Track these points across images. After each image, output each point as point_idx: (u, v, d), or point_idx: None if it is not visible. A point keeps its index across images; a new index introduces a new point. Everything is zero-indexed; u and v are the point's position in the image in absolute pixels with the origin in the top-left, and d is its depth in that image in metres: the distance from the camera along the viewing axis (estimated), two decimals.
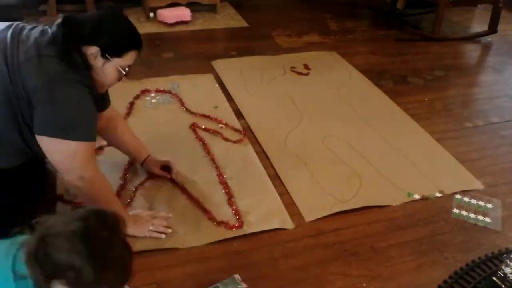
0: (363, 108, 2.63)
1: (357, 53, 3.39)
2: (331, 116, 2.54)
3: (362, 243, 1.74)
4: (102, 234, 0.98)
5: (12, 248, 1.04)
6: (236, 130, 2.35)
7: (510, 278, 1.47)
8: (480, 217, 1.88)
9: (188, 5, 3.81)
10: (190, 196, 1.90)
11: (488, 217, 1.88)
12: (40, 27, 1.45)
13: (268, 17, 4.00)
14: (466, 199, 1.97)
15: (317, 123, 2.46)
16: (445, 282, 1.58)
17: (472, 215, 1.89)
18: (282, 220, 1.82)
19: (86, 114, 1.45)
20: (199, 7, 3.92)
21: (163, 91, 2.66)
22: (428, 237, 1.79)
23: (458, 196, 1.99)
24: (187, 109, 2.51)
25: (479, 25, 4.05)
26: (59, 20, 1.41)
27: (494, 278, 1.51)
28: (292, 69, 3.04)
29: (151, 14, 3.74)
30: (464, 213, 1.90)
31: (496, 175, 2.15)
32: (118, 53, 1.48)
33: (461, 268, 1.63)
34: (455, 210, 1.91)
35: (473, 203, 1.95)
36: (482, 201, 1.96)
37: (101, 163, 2.06)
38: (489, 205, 1.94)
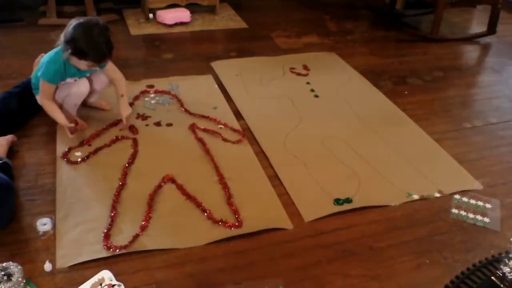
0: (362, 108, 2.64)
1: (356, 54, 3.39)
2: (330, 116, 2.55)
3: (361, 243, 1.75)
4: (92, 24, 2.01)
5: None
6: (235, 130, 2.36)
7: (509, 277, 1.47)
8: (479, 217, 1.88)
9: (187, 6, 3.81)
10: (189, 196, 1.90)
11: (487, 217, 1.89)
12: None
13: (267, 18, 4.01)
14: (465, 199, 1.98)
15: (316, 124, 2.47)
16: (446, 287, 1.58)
17: (471, 215, 1.89)
18: (281, 220, 1.82)
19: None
20: (198, 8, 3.93)
21: (163, 92, 2.67)
22: (427, 237, 1.80)
23: (457, 196, 1.99)
24: (186, 110, 2.51)
25: (478, 26, 4.06)
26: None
27: (493, 277, 1.51)
28: (292, 70, 3.05)
29: (151, 15, 3.75)
30: (463, 213, 1.90)
31: (495, 176, 2.15)
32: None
33: (463, 272, 1.62)
34: (454, 210, 1.92)
35: (472, 203, 1.96)
36: (481, 201, 1.97)
37: (101, 163, 2.07)
38: (488, 205, 1.95)
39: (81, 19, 2.05)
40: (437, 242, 1.77)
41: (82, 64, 2.08)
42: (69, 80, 2.24)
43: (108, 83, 2.41)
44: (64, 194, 1.88)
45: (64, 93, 2.24)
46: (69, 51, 2.03)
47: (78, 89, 2.26)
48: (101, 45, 2.03)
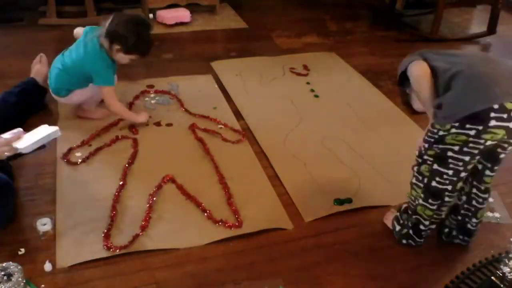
0: (362, 108, 2.64)
1: (356, 53, 3.39)
2: (330, 116, 2.55)
3: (361, 243, 1.75)
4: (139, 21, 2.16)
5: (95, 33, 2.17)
6: (235, 130, 2.36)
7: (509, 277, 1.47)
8: (489, 214, 1.88)
9: (187, 6, 3.81)
10: (189, 196, 1.90)
11: (496, 212, 1.89)
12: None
13: (267, 18, 4.01)
14: None
15: (316, 124, 2.47)
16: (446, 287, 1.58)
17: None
18: (281, 220, 1.82)
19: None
20: (198, 8, 3.92)
21: (163, 92, 2.67)
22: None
23: None
24: (186, 110, 2.51)
25: (478, 26, 4.05)
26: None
27: (493, 277, 1.51)
28: (291, 70, 3.05)
29: (151, 15, 3.75)
30: None
31: (495, 175, 2.14)
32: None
33: (462, 272, 1.62)
34: None
35: None
36: None
37: (101, 163, 2.08)
38: (490, 199, 1.95)
39: (126, 16, 2.19)
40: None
41: (126, 59, 2.20)
42: None
43: None
44: (64, 194, 1.88)
45: (89, 94, 2.29)
46: (117, 47, 2.13)
47: None
48: (148, 40, 2.18)
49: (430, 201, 1.58)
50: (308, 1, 4.44)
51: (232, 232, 1.75)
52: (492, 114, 1.35)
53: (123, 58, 2.18)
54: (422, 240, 1.70)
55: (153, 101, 2.58)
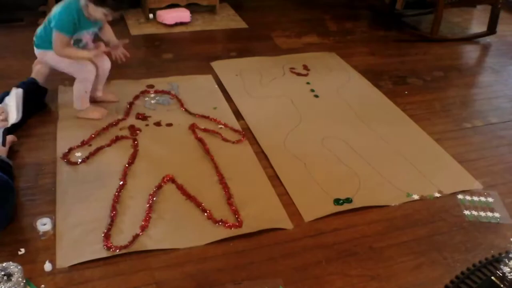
0: (362, 108, 2.64)
1: (356, 53, 3.39)
2: (330, 116, 2.55)
3: (361, 243, 1.75)
4: None
5: None
6: (235, 130, 2.36)
7: (509, 277, 1.47)
8: (489, 214, 1.89)
9: (187, 6, 3.81)
10: (189, 196, 1.90)
11: (496, 212, 1.90)
12: None
13: (267, 18, 4.01)
14: (467, 197, 1.98)
15: (316, 124, 2.47)
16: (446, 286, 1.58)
17: (482, 213, 1.90)
18: (281, 220, 1.82)
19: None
20: (198, 8, 3.93)
21: (163, 92, 2.67)
22: (427, 237, 1.80)
23: (460, 196, 1.99)
24: (186, 110, 2.51)
25: (478, 26, 4.06)
26: None
27: (493, 277, 1.51)
28: (292, 70, 3.05)
29: (151, 15, 3.75)
30: (474, 213, 1.90)
31: (495, 175, 2.15)
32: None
33: (463, 272, 1.62)
34: (466, 212, 1.91)
35: (476, 200, 1.96)
36: (482, 196, 1.98)
37: (101, 163, 2.08)
38: (490, 199, 1.95)
39: None
40: (437, 242, 1.77)
41: (99, 12, 2.14)
42: (85, 36, 2.29)
43: (110, 67, 2.47)
44: (64, 194, 1.88)
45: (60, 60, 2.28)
46: None
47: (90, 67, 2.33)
48: None
49: None
50: (308, 1, 4.44)
51: (232, 232, 1.75)
52: None
53: (95, 10, 2.14)
54: None
55: (153, 101, 2.58)
